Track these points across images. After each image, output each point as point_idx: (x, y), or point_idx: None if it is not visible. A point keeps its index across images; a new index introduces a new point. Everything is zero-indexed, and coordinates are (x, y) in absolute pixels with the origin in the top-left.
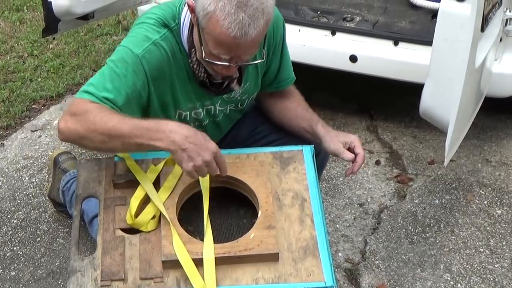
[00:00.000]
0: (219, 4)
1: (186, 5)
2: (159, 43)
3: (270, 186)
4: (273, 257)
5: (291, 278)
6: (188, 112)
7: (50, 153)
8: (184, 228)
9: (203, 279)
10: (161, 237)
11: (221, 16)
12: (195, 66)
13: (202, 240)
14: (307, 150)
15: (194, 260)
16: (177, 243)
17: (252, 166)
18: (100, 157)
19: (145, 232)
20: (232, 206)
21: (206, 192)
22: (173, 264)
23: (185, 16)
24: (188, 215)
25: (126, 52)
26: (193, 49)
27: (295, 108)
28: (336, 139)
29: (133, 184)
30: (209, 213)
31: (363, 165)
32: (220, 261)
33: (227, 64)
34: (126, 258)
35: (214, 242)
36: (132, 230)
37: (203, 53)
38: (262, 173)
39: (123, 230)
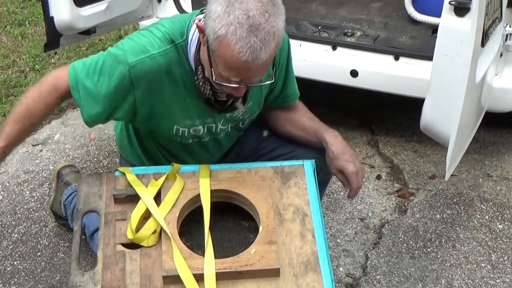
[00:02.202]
0: (231, 28)
1: (195, 23)
2: (156, 58)
3: (271, 200)
4: (274, 273)
5: None
6: (186, 129)
7: (51, 167)
8: (185, 242)
9: None
10: (162, 252)
11: (232, 40)
12: (200, 83)
13: (203, 254)
14: (308, 165)
15: (195, 275)
16: (178, 258)
17: (253, 180)
18: (101, 172)
19: (145, 247)
20: (233, 219)
21: (207, 206)
22: (174, 279)
23: (193, 34)
24: (189, 229)
25: (121, 56)
26: (199, 67)
27: (300, 118)
28: (337, 159)
29: (134, 198)
30: (210, 226)
31: (364, 179)
32: (221, 276)
33: (237, 86)
34: (127, 273)
35: (215, 256)
36: (132, 245)
37: (213, 74)
38: (263, 187)
39: (124, 245)
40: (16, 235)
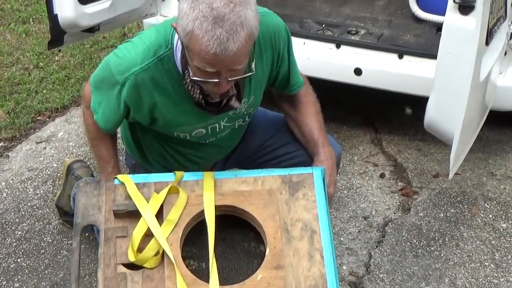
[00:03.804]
0: (196, 22)
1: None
2: (139, 74)
3: (279, 218)
4: None
5: None
6: (187, 134)
7: (54, 165)
8: (188, 264)
9: None
10: (164, 276)
11: (199, 34)
12: (189, 87)
13: (207, 276)
14: (317, 173)
15: None
16: (181, 285)
17: (260, 195)
18: (99, 180)
19: (148, 268)
20: (238, 235)
21: (212, 227)
22: None
23: (177, 39)
24: (193, 244)
25: (110, 77)
26: (186, 71)
27: (302, 124)
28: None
29: (135, 213)
30: (214, 245)
31: (367, 178)
32: None
33: (216, 80)
34: None
35: (220, 271)
36: (134, 265)
37: (190, 72)
38: (271, 203)
39: (125, 265)
40: (19, 233)
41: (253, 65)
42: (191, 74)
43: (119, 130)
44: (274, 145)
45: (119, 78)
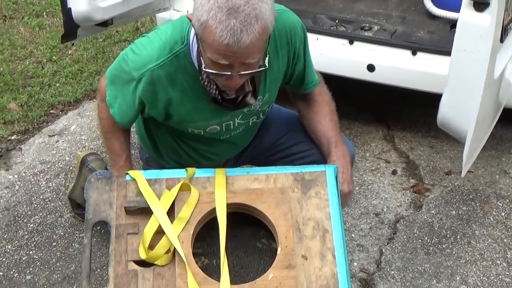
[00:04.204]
0: (211, 13)
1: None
2: (155, 70)
3: (291, 217)
4: None
5: None
6: (201, 130)
7: (67, 158)
8: (198, 261)
9: None
10: (175, 274)
11: (213, 25)
12: (205, 83)
13: (218, 273)
14: (330, 171)
15: None
16: (192, 284)
17: (272, 193)
18: (111, 176)
19: (159, 265)
20: (250, 228)
21: (223, 226)
22: None
23: (194, 35)
24: (204, 240)
25: (128, 73)
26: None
27: (316, 123)
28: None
29: (146, 210)
30: (225, 243)
31: (379, 174)
32: None
33: (229, 73)
34: None
35: (231, 269)
36: (145, 262)
37: (203, 64)
38: (283, 202)
39: (136, 262)
40: (32, 225)
41: (266, 61)
42: (203, 66)
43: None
44: (287, 143)
45: (135, 74)
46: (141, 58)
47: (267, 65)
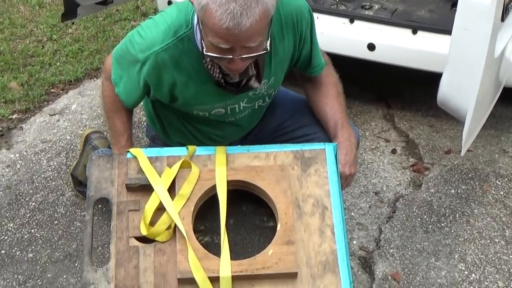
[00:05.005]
0: None
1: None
2: (159, 53)
3: (290, 194)
4: (292, 275)
5: None
6: (206, 113)
7: (68, 137)
8: (198, 237)
9: None
10: (176, 250)
11: (213, 8)
12: (209, 66)
13: (218, 250)
14: (330, 149)
15: (210, 278)
16: (193, 260)
17: (272, 171)
18: (112, 153)
19: (160, 242)
20: (250, 206)
21: (224, 203)
22: (189, 280)
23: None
24: (204, 217)
25: (134, 55)
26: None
27: (323, 105)
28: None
29: (147, 187)
30: (225, 220)
31: (379, 153)
32: (237, 279)
33: (230, 57)
34: (141, 271)
35: (231, 245)
36: (146, 238)
37: (204, 47)
38: (282, 179)
39: (137, 238)
40: (33, 204)
41: (267, 44)
42: (204, 50)
43: (141, 102)
44: (292, 125)
45: (140, 56)
46: (146, 41)
47: (268, 48)
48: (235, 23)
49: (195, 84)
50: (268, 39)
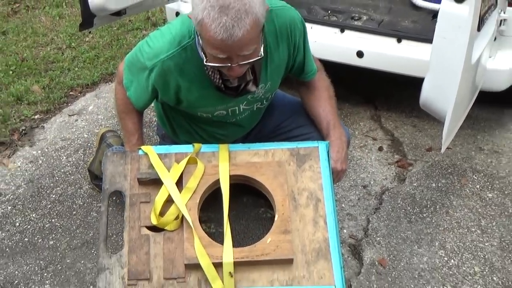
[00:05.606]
0: (205, 12)
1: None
2: (165, 61)
3: (287, 187)
4: (288, 261)
5: (304, 281)
6: (209, 115)
7: (85, 135)
8: (204, 227)
9: (222, 282)
10: (183, 238)
11: (208, 22)
12: (210, 73)
13: (222, 238)
14: (322, 147)
15: (214, 263)
16: (198, 247)
17: (270, 166)
18: (125, 150)
19: (168, 230)
20: (250, 198)
21: (226, 195)
22: (194, 266)
23: None
24: (209, 208)
25: (142, 62)
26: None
27: (316, 106)
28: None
29: (157, 181)
30: (227, 210)
31: (367, 150)
32: (238, 264)
33: (228, 65)
34: (151, 257)
35: (234, 234)
36: (156, 227)
37: (204, 58)
38: (280, 174)
39: (148, 227)
40: (54, 196)
41: (261, 50)
42: (205, 60)
43: (152, 104)
44: (289, 126)
45: (148, 64)
46: (153, 50)
47: (262, 54)
48: (228, 34)
49: (198, 88)
50: (262, 46)
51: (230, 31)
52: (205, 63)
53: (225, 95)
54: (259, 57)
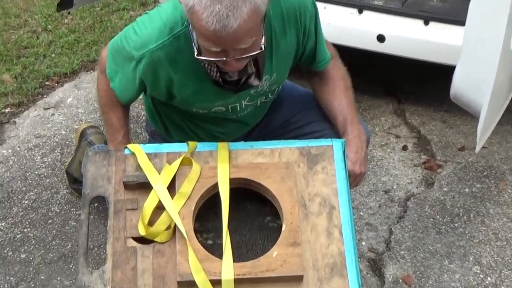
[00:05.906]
0: None
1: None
2: (154, 52)
3: (296, 193)
4: (297, 278)
5: None
6: (206, 111)
7: (63, 132)
8: (199, 238)
9: None
10: (176, 251)
11: (199, 10)
12: (206, 65)
13: (220, 250)
14: (337, 146)
15: (211, 281)
16: (193, 261)
17: (277, 168)
18: (109, 149)
19: (158, 242)
20: (254, 205)
21: (226, 202)
22: (189, 283)
23: None
24: (205, 217)
25: (129, 52)
26: None
27: (331, 99)
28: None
29: (146, 185)
30: (227, 219)
31: (389, 150)
32: (240, 281)
33: (223, 59)
34: (139, 273)
35: (234, 247)
36: (144, 239)
37: (195, 50)
38: (288, 177)
39: (135, 239)
40: (26, 202)
41: (263, 42)
42: (196, 54)
43: (141, 96)
44: (299, 122)
45: (135, 54)
46: (141, 38)
47: (263, 47)
48: (221, 25)
49: (193, 82)
50: (263, 37)
51: (224, 21)
52: (196, 56)
53: (223, 90)
54: (260, 51)
